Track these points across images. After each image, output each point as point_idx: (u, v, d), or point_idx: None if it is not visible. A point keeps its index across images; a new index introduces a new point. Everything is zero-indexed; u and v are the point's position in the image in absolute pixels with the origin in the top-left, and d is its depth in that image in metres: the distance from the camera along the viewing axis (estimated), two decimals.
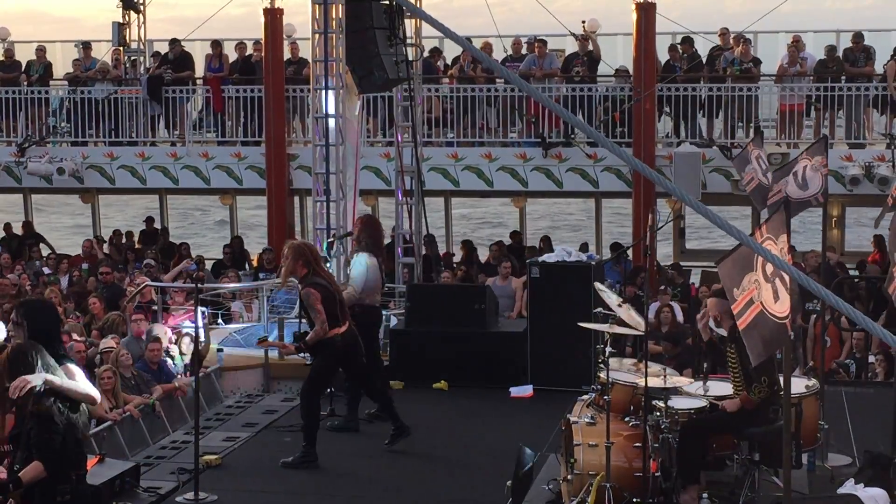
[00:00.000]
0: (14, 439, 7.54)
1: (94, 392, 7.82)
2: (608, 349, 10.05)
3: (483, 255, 21.70)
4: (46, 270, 20.07)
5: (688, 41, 21.11)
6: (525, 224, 24.11)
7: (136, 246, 22.87)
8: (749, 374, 9.54)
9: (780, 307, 7.03)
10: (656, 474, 9.55)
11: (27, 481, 7.32)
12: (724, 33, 21.04)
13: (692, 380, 10.67)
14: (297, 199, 22.57)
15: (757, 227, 7.08)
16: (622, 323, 10.22)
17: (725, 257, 7.28)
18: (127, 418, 12.28)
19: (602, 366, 10.08)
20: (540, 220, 42.19)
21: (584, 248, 19.40)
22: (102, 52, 23.98)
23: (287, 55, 21.77)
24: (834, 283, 16.67)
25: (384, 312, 14.58)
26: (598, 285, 10.95)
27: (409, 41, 16.80)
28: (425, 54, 20.38)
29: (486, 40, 21.90)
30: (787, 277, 6.88)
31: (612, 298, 10.33)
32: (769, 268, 6.99)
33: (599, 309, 10.77)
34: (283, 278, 11.77)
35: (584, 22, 21.60)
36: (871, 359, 15.34)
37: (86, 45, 23.46)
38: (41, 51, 23.18)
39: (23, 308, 7.97)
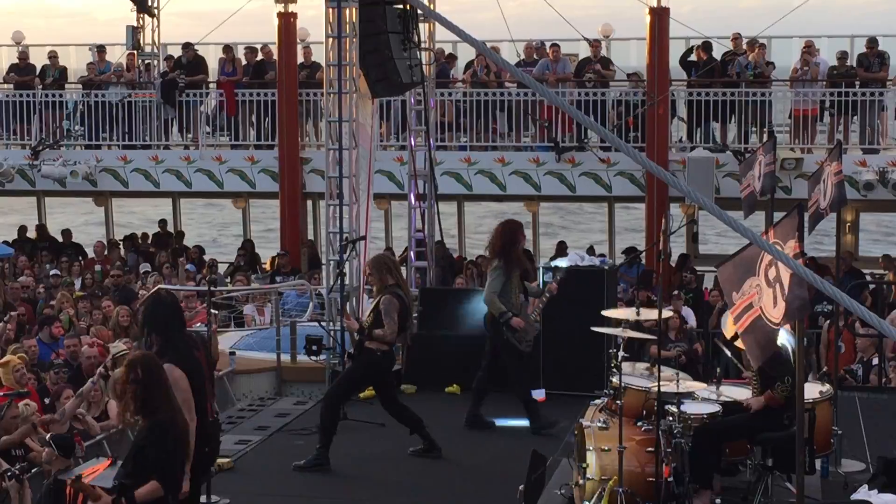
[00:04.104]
0: None
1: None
2: (621, 353, 10.03)
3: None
4: (54, 272, 20.08)
5: (706, 47, 21.03)
6: (538, 228, 24.05)
7: (150, 250, 22.90)
8: (770, 375, 9.52)
9: (777, 313, 7.02)
10: (669, 479, 9.51)
11: (141, 500, 6.90)
12: (736, 38, 21.00)
13: (705, 384, 10.63)
14: (310, 202, 22.58)
15: (763, 232, 7.04)
16: (635, 327, 10.19)
17: (726, 261, 7.27)
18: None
19: (615, 370, 10.05)
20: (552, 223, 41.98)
21: (590, 251, 19.34)
22: (116, 56, 24.02)
23: (300, 59, 21.80)
24: (850, 287, 16.62)
25: None
26: (606, 314, 10.84)
27: (423, 45, 16.79)
28: (441, 59, 20.34)
29: (496, 44, 21.83)
30: (785, 285, 6.87)
31: (625, 315, 10.27)
32: (772, 273, 6.97)
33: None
34: (377, 294, 11.69)
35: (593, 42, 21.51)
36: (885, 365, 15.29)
37: (100, 49, 23.49)
38: (54, 56, 23.18)
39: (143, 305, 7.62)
